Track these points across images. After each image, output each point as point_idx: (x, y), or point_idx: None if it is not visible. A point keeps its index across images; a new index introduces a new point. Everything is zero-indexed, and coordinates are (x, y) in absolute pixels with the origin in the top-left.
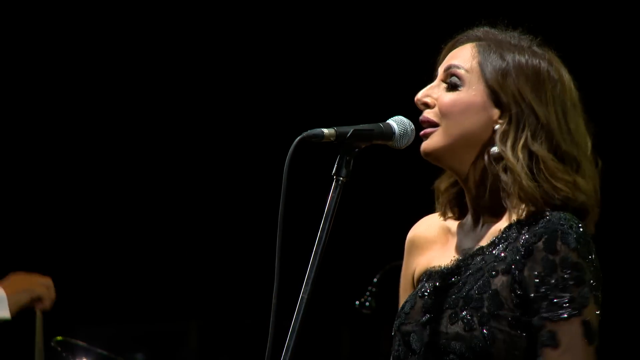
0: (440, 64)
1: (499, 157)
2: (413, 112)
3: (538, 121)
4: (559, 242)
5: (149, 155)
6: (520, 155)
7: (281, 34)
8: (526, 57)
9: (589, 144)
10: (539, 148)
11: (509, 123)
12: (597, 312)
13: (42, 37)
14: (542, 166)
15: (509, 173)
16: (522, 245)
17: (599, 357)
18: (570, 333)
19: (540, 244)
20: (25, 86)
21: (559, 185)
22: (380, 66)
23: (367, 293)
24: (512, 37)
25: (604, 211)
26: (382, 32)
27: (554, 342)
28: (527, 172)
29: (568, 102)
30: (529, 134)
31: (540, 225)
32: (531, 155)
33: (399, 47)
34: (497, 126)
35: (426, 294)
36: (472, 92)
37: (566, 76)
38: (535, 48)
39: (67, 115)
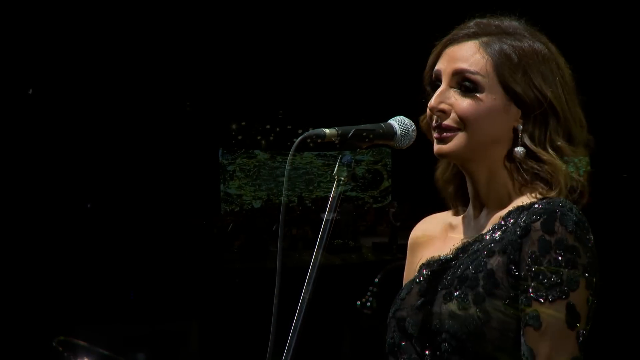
0: (435, 62)
1: (528, 154)
2: (413, 112)
3: (557, 117)
4: (557, 223)
5: (149, 157)
6: (550, 150)
7: (282, 35)
8: (526, 43)
9: (583, 120)
10: (561, 141)
11: (534, 123)
12: (589, 297)
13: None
14: (564, 153)
15: (547, 166)
16: (519, 226)
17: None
18: (553, 316)
19: (537, 224)
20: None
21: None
22: (381, 66)
23: (369, 293)
24: (506, 24)
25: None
26: (383, 32)
27: (536, 322)
28: (560, 162)
29: (567, 79)
30: (552, 130)
31: (538, 207)
32: (555, 148)
33: (398, 47)
34: (520, 126)
35: (422, 279)
36: (492, 97)
37: (556, 51)
38: (529, 30)
39: (71, 116)
